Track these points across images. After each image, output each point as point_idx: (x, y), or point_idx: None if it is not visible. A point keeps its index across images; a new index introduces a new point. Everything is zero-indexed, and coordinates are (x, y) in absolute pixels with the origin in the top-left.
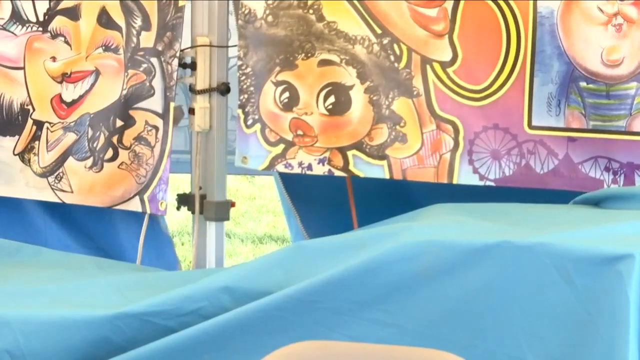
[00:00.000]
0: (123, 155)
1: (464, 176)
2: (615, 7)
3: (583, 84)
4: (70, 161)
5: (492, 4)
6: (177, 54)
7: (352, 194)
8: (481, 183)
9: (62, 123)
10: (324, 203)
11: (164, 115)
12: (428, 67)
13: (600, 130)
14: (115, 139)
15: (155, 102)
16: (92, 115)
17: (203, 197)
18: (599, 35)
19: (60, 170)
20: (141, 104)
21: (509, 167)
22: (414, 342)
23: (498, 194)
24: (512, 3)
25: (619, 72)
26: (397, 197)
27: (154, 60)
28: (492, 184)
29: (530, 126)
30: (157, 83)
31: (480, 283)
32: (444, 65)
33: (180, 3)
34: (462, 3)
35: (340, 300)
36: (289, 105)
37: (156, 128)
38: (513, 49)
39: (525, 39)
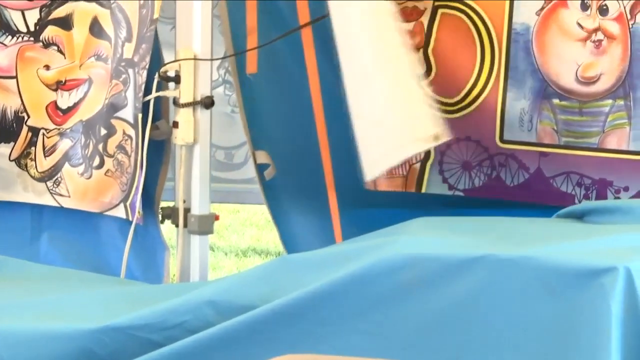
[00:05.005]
0: (108, 162)
1: (433, 185)
2: (596, 22)
3: (556, 100)
4: (67, 167)
5: (467, 19)
6: (147, 66)
7: (336, 206)
8: (450, 193)
9: (59, 129)
10: (306, 215)
11: (135, 126)
12: None
13: (572, 146)
14: (101, 147)
15: (128, 113)
16: (84, 123)
17: (187, 211)
18: (575, 51)
19: (59, 175)
20: (119, 114)
21: (479, 178)
22: (399, 353)
23: None
24: (486, 19)
25: (595, 89)
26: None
27: (130, 71)
28: (461, 194)
29: (502, 140)
30: (130, 94)
31: (465, 295)
32: None
33: (155, 16)
34: (437, 18)
35: (325, 312)
36: None
37: (131, 138)
38: (487, 64)
39: (499, 55)
